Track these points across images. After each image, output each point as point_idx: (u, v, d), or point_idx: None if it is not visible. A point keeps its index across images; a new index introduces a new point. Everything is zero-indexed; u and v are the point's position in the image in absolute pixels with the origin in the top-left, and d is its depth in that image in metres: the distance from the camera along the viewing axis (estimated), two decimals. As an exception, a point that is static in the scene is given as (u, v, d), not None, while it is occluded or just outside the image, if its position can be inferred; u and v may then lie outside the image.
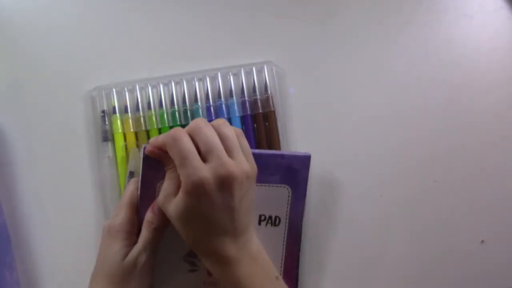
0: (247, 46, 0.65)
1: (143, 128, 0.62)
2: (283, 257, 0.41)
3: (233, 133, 0.41)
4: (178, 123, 0.62)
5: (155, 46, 0.65)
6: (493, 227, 0.64)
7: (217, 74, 0.63)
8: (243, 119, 0.63)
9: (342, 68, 0.65)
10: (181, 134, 0.39)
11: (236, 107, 0.63)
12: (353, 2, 0.66)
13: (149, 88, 0.63)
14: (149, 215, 0.41)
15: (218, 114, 0.63)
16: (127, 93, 0.63)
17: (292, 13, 0.65)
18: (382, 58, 0.65)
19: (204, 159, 0.38)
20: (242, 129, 0.62)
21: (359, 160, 0.64)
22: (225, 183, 0.37)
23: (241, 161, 0.39)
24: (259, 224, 0.40)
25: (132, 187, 0.45)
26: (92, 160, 0.62)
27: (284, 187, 0.41)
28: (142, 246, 0.40)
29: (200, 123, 0.40)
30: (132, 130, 0.62)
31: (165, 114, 0.63)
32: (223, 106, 0.63)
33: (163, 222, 0.41)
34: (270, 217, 0.41)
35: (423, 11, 0.66)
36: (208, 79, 0.63)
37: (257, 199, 0.40)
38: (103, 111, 0.63)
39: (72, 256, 0.61)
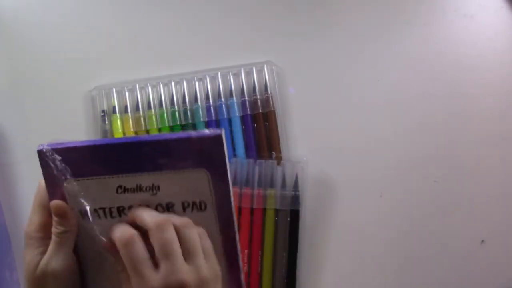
0: (247, 46, 0.65)
1: (143, 128, 0.62)
2: (222, 242, 0.38)
3: (196, 235, 0.37)
4: (178, 123, 0.63)
5: (155, 46, 0.65)
6: (493, 227, 0.64)
7: (217, 74, 0.63)
8: (243, 119, 0.63)
9: (342, 68, 0.65)
10: (134, 239, 0.36)
11: (236, 107, 0.63)
12: (353, 2, 0.66)
13: (149, 88, 0.63)
14: (55, 219, 0.38)
15: (218, 114, 0.63)
16: (127, 93, 0.63)
17: (292, 13, 0.65)
18: (382, 58, 0.65)
19: (157, 263, 0.35)
20: (242, 129, 0.63)
21: (359, 160, 0.64)
22: None
23: (199, 265, 0.36)
24: (184, 211, 0.37)
25: (41, 188, 0.42)
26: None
27: (201, 171, 0.37)
28: (51, 253, 0.37)
29: (161, 223, 0.36)
30: (132, 130, 0.62)
31: (165, 114, 0.63)
32: (223, 106, 0.63)
33: (72, 225, 0.38)
34: (194, 203, 0.37)
35: (423, 11, 0.66)
36: (208, 79, 0.63)
37: (175, 186, 0.37)
38: (103, 111, 0.63)
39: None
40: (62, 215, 0.37)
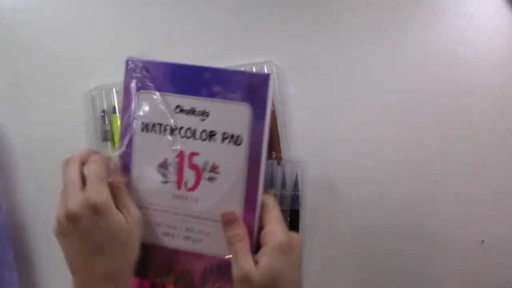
0: (247, 46, 0.65)
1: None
2: (245, 178, 0.42)
3: (94, 168, 0.41)
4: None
5: (155, 46, 0.65)
6: (493, 227, 0.64)
7: (217, 74, 0.63)
8: (243, 119, 0.63)
9: (342, 68, 0.65)
10: (70, 160, 0.41)
11: (236, 107, 0.63)
12: (353, 2, 0.66)
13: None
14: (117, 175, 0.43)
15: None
16: (127, 93, 0.63)
17: (292, 13, 0.65)
18: (382, 58, 0.65)
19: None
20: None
21: (359, 159, 0.64)
22: (63, 222, 0.39)
23: (91, 190, 0.39)
24: (222, 142, 0.42)
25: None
26: (92, 160, 0.62)
27: (245, 105, 0.42)
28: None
29: (69, 159, 0.42)
30: (132, 130, 0.62)
31: (165, 114, 0.63)
32: (223, 106, 0.63)
33: (123, 184, 0.42)
34: (232, 136, 0.42)
35: (423, 11, 0.66)
36: (208, 79, 0.63)
37: (221, 116, 0.42)
38: (103, 111, 0.63)
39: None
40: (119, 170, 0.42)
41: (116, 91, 0.63)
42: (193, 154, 0.43)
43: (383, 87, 0.65)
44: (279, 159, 0.62)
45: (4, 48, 0.65)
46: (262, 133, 0.42)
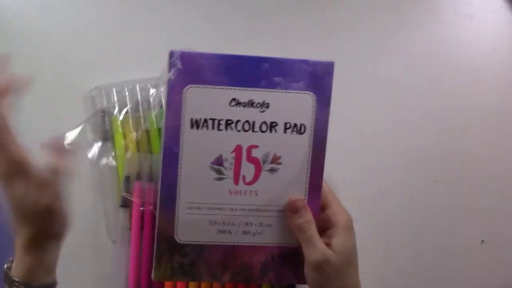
0: (247, 46, 0.65)
1: (143, 128, 0.62)
2: (309, 165, 0.42)
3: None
4: (178, 123, 0.63)
5: (155, 46, 0.65)
6: (493, 227, 0.64)
7: (217, 74, 0.63)
8: (243, 119, 0.63)
9: (342, 68, 0.64)
10: None
11: (236, 107, 0.63)
12: (353, 2, 0.66)
13: (149, 88, 0.63)
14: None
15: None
16: (127, 93, 0.63)
17: (292, 14, 0.65)
18: (382, 58, 0.65)
19: None
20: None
21: (359, 160, 0.64)
22: None
23: None
24: (285, 132, 0.41)
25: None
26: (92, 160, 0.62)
27: (309, 94, 0.41)
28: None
29: None
30: (132, 130, 0.62)
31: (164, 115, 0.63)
32: (223, 106, 0.63)
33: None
34: (295, 125, 0.41)
35: (423, 11, 0.66)
36: (208, 79, 0.63)
37: (283, 106, 0.41)
38: (103, 111, 0.63)
39: (71, 256, 0.61)
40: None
41: (116, 91, 0.63)
42: (252, 146, 0.41)
43: (383, 87, 0.65)
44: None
45: (4, 49, 0.65)
46: (326, 120, 0.42)
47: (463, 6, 0.66)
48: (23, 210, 0.39)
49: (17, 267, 0.41)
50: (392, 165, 0.64)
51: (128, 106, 0.63)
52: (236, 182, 0.41)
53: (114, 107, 0.62)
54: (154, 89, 0.64)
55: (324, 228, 0.42)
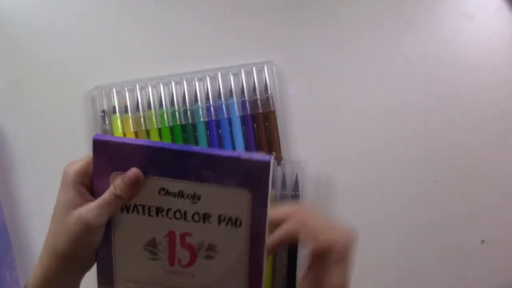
0: (247, 46, 0.65)
1: (143, 128, 0.62)
2: (249, 258, 0.39)
3: None
4: (178, 123, 0.63)
5: (155, 46, 0.65)
6: (493, 227, 0.64)
7: (217, 74, 0.63)
8: (243, 119, 0.63)
9: (342, 68, 0.65)
10: None
11: (236, 107, 0.63)
12: (353, 2, 0.66)
13: (149, 88, 0.63)
14: (119, 183, 0.38)
15: (218, 114, 0.63)
16: (127, 93, 0.63)
17: (292, 14, 0.65)
18: (382, 58, 0.65)
19: None
20: (242, 129, 0.63)
21: (359, 160, 0.64)
22: None
23: None
24: (219, 224, 0.39)
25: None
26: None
27: (243, 190, 0.38)
28: (95, 206, 0.38)
29: None
30: (132, 129, 0.62)
31: (165, 114, 0.63)
32: (223, 106, 0.63)
33: (129, 197, 0.38)
34: (230, 218, 0.39)
35: (423, 11, 0.66)
36: (208, 79, 0.63)
37: (215, 199, 0.38)
38: (103, 111, 0.63)
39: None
40: (133, 183, 0.38)
41: (116, 91, 0.63)
42: (186, 234, 0.39)
43: (383, 87, 0.65)
44: (279, 159, 0.62)
45: (4, 49, 0.65)
46: (264, 217, 0.38)
47: (463, 6, 0.66)
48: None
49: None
50: (392, 165, 0.64)
51: (128, 106, 0.63)
52: (171, 264, 0.40)
53: (114, 107, 0.63)
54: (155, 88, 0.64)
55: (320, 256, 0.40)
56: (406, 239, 0.63)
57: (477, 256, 0.63)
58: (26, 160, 0.63)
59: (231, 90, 0.63)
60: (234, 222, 0.38)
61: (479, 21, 0.65)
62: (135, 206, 0.39)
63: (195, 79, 0.63)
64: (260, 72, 0.63)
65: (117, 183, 0.38)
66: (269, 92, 0.63)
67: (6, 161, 0.63)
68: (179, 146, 0.38)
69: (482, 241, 0.63)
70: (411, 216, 0.63)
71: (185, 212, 0.38)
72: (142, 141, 0.39)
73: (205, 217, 0.39)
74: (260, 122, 0.62)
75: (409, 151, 0.64)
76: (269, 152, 0.62)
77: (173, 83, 0.63)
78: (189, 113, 0.63)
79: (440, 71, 0.65)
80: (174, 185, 0.38)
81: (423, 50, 0.65)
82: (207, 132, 0.63)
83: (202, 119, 0.62)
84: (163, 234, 0.39)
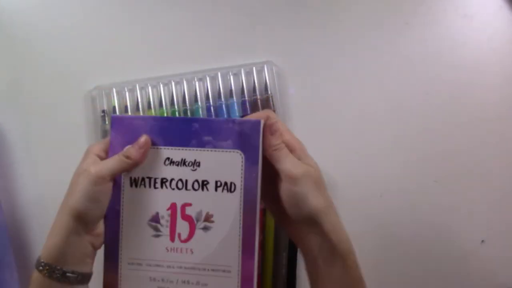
0: (247, 46, 0.65)
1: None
2: (241, 224, 0.42)
3: None
4: (178, 123, 0.63)
5: (155, 46, 0.65)
6: (493, 227, 0.64)
7: (217, 74, 0.63)
8: (243, 119, 0.63)
9: (342, 68, 0.65)
10: None
11: (236, 107, 0.63)
12: (353, 2, 0.66)
13: (149, 88, 0.63)
14: (129, 147, 0.42)
15: (218, 114, 0.63)
16: (127, 93, 0.63)
17: (292, 14, 0.65)
18: (382, 58, 0.65)
19: None
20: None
21: (359, 160, 0.64)
22: None
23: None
24: (216, 190, 0.42)
25: None
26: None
27: (237, 152, 0.42)
28: (107, 162, 0.42)
29: None
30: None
31: (165, 114, 0.63)
32: (223, 106, 0.63)
33: (136, 158, 0.42)
34: (225, 183, 0.42)
35: (423, 11, 0.66)
36: (208, 79, 0.63)
37: (213, 164, 0.43)
38: (103, 111, 0.63)
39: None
40: (141, 146, 0.42)
41: (116, 91, 0.63)
42: (186, 205, 0.43)
43: (383, 87, 0.65)
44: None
45: (4, 49, 0.65)
46: (256, 178, 0.42)
47: (463, 6, 0.66)
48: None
49: (49, 252, 0.42)
50: (392, 165, 0.64)
51: (128, 106, 0.63)
52: (172, 239, 0.43)
53: (114, 107, 0.63)
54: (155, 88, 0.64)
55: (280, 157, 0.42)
56: (406, 239, 0.63)
57: (477, 256, 0.63)
58: (26, 160, 0.63)
59: (231, 90, 0.63)
60: (229, 188, 0.42)
61: (479, 21, 0.65)
62: (143, 179, 0.43)
63: (195, 79, 0.64)
64: (260, 72, 0.63)
65: (127, 148, 0.42)
66: (269, 92, 0.63)
67: (6, 161, 0.63)
68: (181, 117, 0.44)
69: (482, 241, 0.63)
70: (411, 216, 0.63)
71: (186, 181, 0.43)
72: (151, 116, 0.44)
73: (204, 184, 0.43)
74: (260, 122, 0.62)
75: (409, 151, 0.64)
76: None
77: (173, 83, 0.63)
78: (189, 113, 0.63)
79: (440, 71, 0.65)
80: (177, 153, 0.43)
81: (423, 50, 0.65)
82: (207, 132, 0.63)
83: (202, 119, 0.62)
84: (166, 207, 0.43)
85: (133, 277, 0.44)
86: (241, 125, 0.42)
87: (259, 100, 0.63)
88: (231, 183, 0.42)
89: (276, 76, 0.63)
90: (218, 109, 0.63)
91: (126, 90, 0.63)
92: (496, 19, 0.66)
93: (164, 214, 0.43)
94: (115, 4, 0.66)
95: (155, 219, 0.43)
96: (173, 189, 0.43)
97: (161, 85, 0.63)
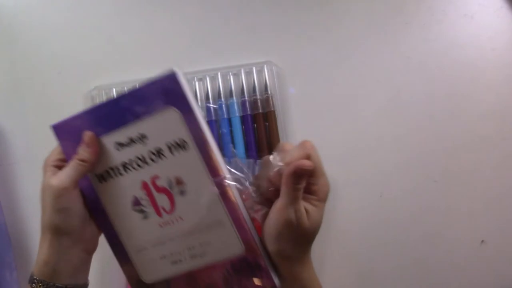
0: (247, 46, 0.65)
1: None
2: (209, 175, 0.42)
3: None
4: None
5: (155, 46, 0.65)
6: (493, 227, 0.64)
7: (217, 74, 0.63)
8: (243, 119, 0.63)
9: (342, 68, 0.65)
10: None
11: (236, 107, 0.63)
12: (353, 2, 0.66)
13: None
14: (80, 149, 0.42)
15: (218, 114, 0.63)
16: (127, 93, 0.63)
17: (292, 14, 0.65)
18: (382, 58, 0.65)
19: None
20: (242, 129, 0.63)
21: (359, 160, 0.64)
22: None
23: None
24: (172, 153, 0.42)
25: None
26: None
27: (170, 108, 0.42)
28: (60, 172, 0.42)
29: None
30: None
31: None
32: (223, 106, 0.63)
33: (90, 157, 0.42)
34: (176, 143, 0.42)
35: (423, 11, 0.66)
36: (208, 79, 0.63)
37: (157, 130, 0.42)
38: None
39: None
40: (89, 144, 0.42)
41: (116, 91, 0.63)
42: (154, 178, 0.43)
43: (383, 87, 0.65)
44: (279, 159, 0.62)
45: (4, 48, 0.65)
46: (198, 125, 0.42)
47: (463, 6, 0.66)
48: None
49: (39, 269, 0.43)
50: (392, 165, 0.64)
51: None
52: (159, 214, 0.44)
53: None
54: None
55: (308, 191, 0.42)
56: (405, 239, 0.63)
57: (477, 256, 0.63)
58: (26, 160, 0.63)
59: (231, 90, 0.63)
60: (182, 145, 0.42)
61: (479, 21, 0.65)
62: (107, 172, 0.44)
63: (195, 79, 0.64)
64: (260, 72, 0.63)
65: (79, 151, 0.42)
66: (269, 92, 0.63)
67: (6, 161, 0.63)
68: (107, 99, 0.43)
69: (482, 241, 0.63)
70: (411, 216, 0.63)
71: (143, 157, 0.43)
72: (83, 111, 0.43)
73: (159, 152, 0.42)
74: (260, 122, 0.62)
75: (409, 151, 0.64)
76: (269, 152, 0.62)
77: (173, 83, 0.63)
78: (189, 113, 0.63)
79: (439, 71, 0.65)
80: (122, 134, 0.43)
81: (423, 50, 0.65)
82: (207, 132, 0.63)
83: (202, 119, 0.62)
84: (139, 188, 0.43)
85: (146, 262, 0.44)
86: (161, 82, 0.41)
87: (259, 100, 0.63)
88: (180, 140, 0.42)
89: (276, 76, 0.63)
90: (218, 109, 0.63)
91: (126, 90, 0.63)
92: (496, 19, 0.66)
93: (141, 195, 0.43)
94: (115, 4, 0.66)
95: (136, 202, 0.44)
96: (136, 169, 0.43)
97: (161, 85, 0.63)
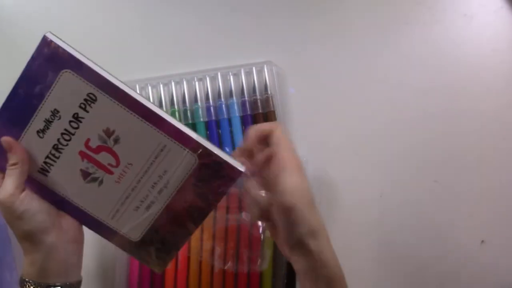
0: (247, 46, 0.65)
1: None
2: (129, 110, 0.42)
3: None
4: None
5: (155, 46, 0.65)
6: (493, 227, 0.64)
7: (217, 74, 0.63)
8: (243, 119, 0.63)
9: (342, 68, 0.65)
10: None
11: (236, 107, 0.63)
12: (353, 2, 0.66)
13: (149, 88, 0.63)
14: (8, 155, 0.42)
15: (218, 114, 0.63)
16: (127, 93, 0.63)
17: (292, 14, 0.65)
18: (382, 58, 0.65)
19: None
20: (242, 129, 0.63)
21: (359, 160, 0.64)
22: None
23: None
24: (86, 111, 0.42)
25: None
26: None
27: (65, 72, 0.42)
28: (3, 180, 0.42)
29: None
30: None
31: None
32: (223, 106, 0.63)
33: (21, 157, 0.42)
34: (85, 99, 0.42)
35: (423, 11, 0.66)
36: (208, 79, 0.63)
37: (64, 99, 0.42)
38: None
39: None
40: (11, 149, 0.42)
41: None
42: (86, 142, 0.43)
43: (383, 87, 0.65)
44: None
45: (4, 48, 0.65)
46: (98, 73, 0.42)
47: (463, 6, 0.66)
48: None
49: (27, 269, 0.43)
50: (392, 165, 0.64)
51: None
52: (110, 172, 0.44)
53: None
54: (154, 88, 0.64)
55: (275, 175, 0.41)
56: (405, 239, 0.63)
57: (477, 256, 0.63)
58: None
59: (231, 90, 0.63)
60: (91, 99, 0.42)
61: (479, 21, 0.65)
62: (45, 163, 0.44)
63: (195, 79, 0.64)
64: (260, 72, 0.63)
65: (7, 157, 0.42)
66: (269, 92, 0.63)
67: (6, 161, 0.63)
68: (10, 92, 0.44)
69: (482, 241, 0.63)
70: (411, 216, 0.63)
71: (66, 130, 0.43)
72: None
73: (76, 117, 0.42)
74: (260, 122, 0.62)
75: (409, 151, 0.64)
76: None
77: (173, 83, 0.63)
78: (189, 113, 0.63)
79: (439, 71, 0.65)
80: (37, 122, 0.43)
81: (423, 50, 0.65)
82: (207, 132, 0.63)
83: (202, 119, 0.62)
84: (79, 159, 0.43)
85: (125, 222, 0.45)
86: (40, 53, 0.43)
87: (259, 100, 0.63)
88: (87, 95, 0.42)
89: (276, 76, 0.63)
90: (218, 109, 0.63)
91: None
92: (496, 19, 0.66)
93: (85, 164, 0.43)
94: (115, 4, 0.66)
95: (86, 174, 0.44)
96: (66, 144, 0.43)
97: (161, 85, 0.63)
